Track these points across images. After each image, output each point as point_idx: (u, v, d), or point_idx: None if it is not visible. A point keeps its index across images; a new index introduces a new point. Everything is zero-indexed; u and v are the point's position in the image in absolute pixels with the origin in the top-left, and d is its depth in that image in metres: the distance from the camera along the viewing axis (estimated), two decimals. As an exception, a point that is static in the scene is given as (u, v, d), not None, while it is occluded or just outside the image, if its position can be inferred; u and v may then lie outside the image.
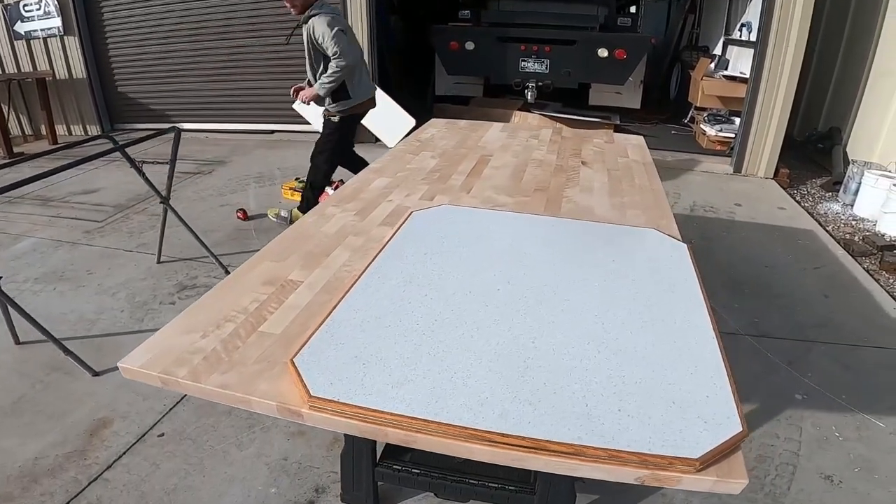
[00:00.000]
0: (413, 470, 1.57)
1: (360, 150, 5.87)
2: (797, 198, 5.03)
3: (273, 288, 1.30)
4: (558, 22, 6.10)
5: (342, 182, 4.41)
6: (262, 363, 1.03)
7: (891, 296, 3.36)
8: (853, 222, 4.61)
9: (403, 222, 1.57)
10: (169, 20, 6.28)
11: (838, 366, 2.62)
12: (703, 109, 6.25)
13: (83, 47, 6.32)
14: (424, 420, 0.86)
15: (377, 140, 6.10)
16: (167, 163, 3.21)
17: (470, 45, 6.07)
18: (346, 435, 1.54)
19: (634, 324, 1.13)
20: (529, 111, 6.52)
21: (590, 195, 1.90)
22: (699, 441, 0.86)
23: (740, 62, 6.24)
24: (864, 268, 3.71)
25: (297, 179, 4.65)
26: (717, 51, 6.82)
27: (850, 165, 5.08)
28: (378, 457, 1.59)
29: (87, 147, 3.06)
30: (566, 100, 6.82)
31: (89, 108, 6.58)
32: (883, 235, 4.31)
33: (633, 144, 2.59)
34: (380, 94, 5.83)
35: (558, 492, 1.38)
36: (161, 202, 3.23)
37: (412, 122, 5.86)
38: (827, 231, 4.33)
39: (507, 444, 0.84)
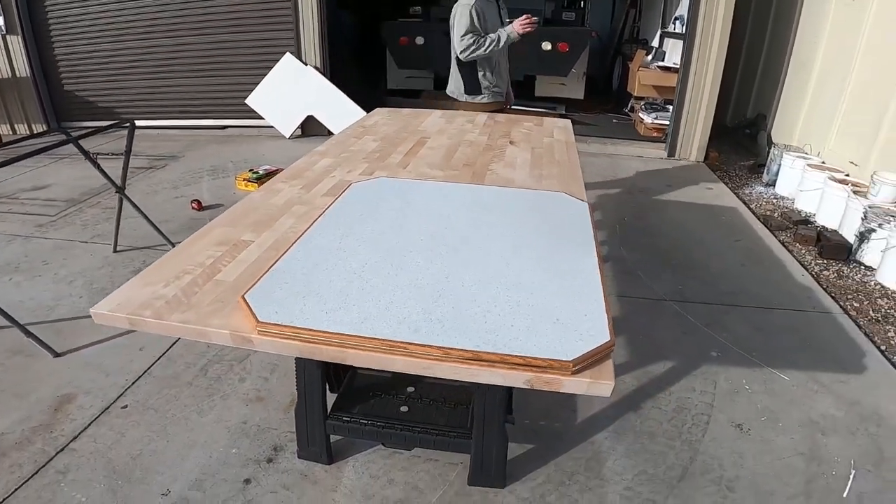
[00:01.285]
0: (361, 420, 1.75)
1: (313, 142, 6.04)
2: (725, 179, 5.41)
3: (226, 247, 1.47)
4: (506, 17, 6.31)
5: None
6: (217, 304, 1.21)
7: (801, 264, 3.72)
8: (774, 200, 5.00)
9: (343, 192, 1.76)
10: (115, 17, 6.26)
11: (750, 327, 2.91)
12: (641, 99, 6.60)
13: (27, 46, 6.24)
14: (354, 336, 1.05)
15: (330, 133, 6.23)
16: (121, 155, 3.31)
17: (420, 40, 6.27)
18: (297, 388, 1.72)
19: (533, 265, 1.35)
20: (478, 103, 6.75)
21: (512, 169, 2.13)
22: (574, 348, 1.08)
23: (675, 53, 6.61)
24: (780, 241, 4.07)
25: (250, 171, 4.76)
26: (655, 43, 7.19)
27: (772, 148, 5.49)
28: (329, 410, 1.77)
29: (37, 142, 3.12)
30: (513, 91, 7.06)
31: (34, 108, 6.49)
32: (799, 212, 4.71)
33: (560, 127, 2.84)
34: (332, 88, 5.98)
35: (491, 434, 1.59)
36: (117, 192, 3.32)
37: (363, 114, 6.01)
38: (750, 209, 4.69)
39: (420, 354, 1.04)
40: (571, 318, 1.15)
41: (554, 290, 1.26)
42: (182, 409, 2.22)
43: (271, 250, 1.45)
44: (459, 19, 3.38)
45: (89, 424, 2.15)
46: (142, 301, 1.22)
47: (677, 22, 6.48)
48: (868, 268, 3.75)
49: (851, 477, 1.97)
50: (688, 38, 5.26)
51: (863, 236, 3.83)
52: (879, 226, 3.72)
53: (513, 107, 6.58)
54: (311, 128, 6.24)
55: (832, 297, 3.28)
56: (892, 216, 3.76)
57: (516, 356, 1.03)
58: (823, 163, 4.94)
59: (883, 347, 2.83)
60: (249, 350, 2.54)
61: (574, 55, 6.22)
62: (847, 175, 4.62)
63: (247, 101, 6.20)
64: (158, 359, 2.49)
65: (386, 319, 1.11)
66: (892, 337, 2.96)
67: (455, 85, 3.79)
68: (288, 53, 5.97)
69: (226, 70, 6.31)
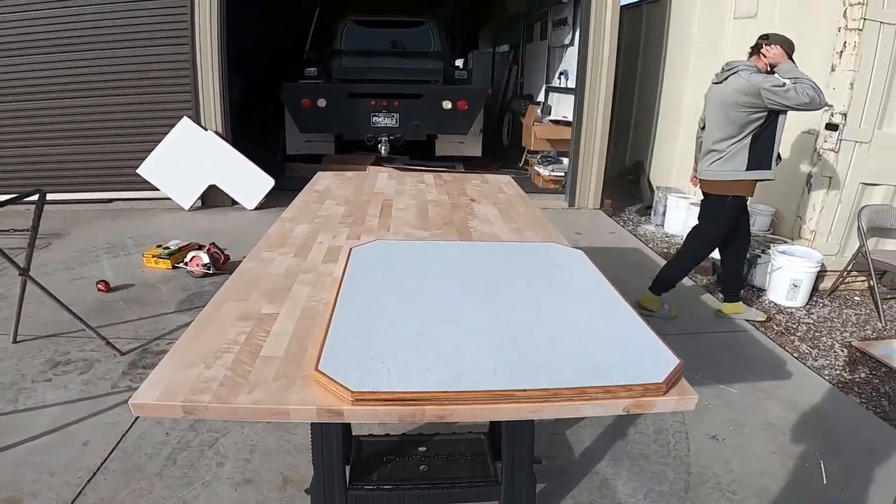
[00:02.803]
0: (385, 487, 1.70)
1: (216, 213, 5.78)
2: (621, 223, 5.94)
3: (251, 321, 1.39)
4: (405, 77, 6.56)
5: (213, 245, 4.33)
6: (282, 379, 1.15)
7: (708, 292, 4.15)
8: (666, 238, 5.56)
9: (348, 257, 1.74)
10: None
11: (689, 351, 3.19)
12: (535, 153, 7.10)
13: None
14: (458, 392, 1.06)
15: (234, 203, 6.02)
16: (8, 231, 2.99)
17: (322, 102, 6.30)
18: (314, 461, 1.63)
19: (570, 308, 1.44)
20: (381, 165, 6.88)
21: (490, 224, 2.22)
22: (657, 371, 1.16)
23: (561, 107, 7.22)
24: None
25: (158, 246, 4.45)
26: (541, 98, 7.81)
27: (656, 191, 6.13)
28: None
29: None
30: (413, 152, 7.29)
31: None
32: (690, 245, 5.27)
33: (505, 182, 3.00)
34: (236, 155, 5.81)
35: (521, 477, 1.61)
36: (20, 274, 2.97)
37: (271, 182, 5.90)
38: (650, 248, 5.17)
39: (527, 398, 1.07)
40: (636, 348, 1.25)
41: (603, 326, 1.35)
42: (162, 503, 2.00)
43: (305, 320, 1.40)
44: (763, 81, 2.99)
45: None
46: (191, 385, 1.12)
47: (562, 77, 7.10)
48: (759, 289, 4.27)
49: (822, 465, 2.23)
50: (578, 94, 5.81)
51: (749, 262, 4.36)
52: (762, 251, 4.28)
53: (417, 168, 6.82)
54: (212, 198, 5.97)
55: (743, 319, 3.69)
56: (770, 242, 4.34)
57: (618, 386, 1.10)
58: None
59: (795, 355, 3.23)
60: (216, 434, 2.36)
61: (472, 113, 6.58)
62: (724, 210, 5.26)
63: (138, 171, 5.81)
64: (112, 452, 2.24)
65: (479, 371, 1.12)
66: (798, 345, 3.38)
67: (728, 163, 3.20)
68: (185, 118, 5.73)
69: (113, 137, 5.85)
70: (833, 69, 3.97)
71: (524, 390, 1.08)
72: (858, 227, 4.12)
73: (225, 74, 5.60)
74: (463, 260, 1.75)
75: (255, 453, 2.25)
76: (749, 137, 3.13)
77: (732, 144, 3.17)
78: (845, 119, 3.94)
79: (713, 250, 3.66)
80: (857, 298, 4.18)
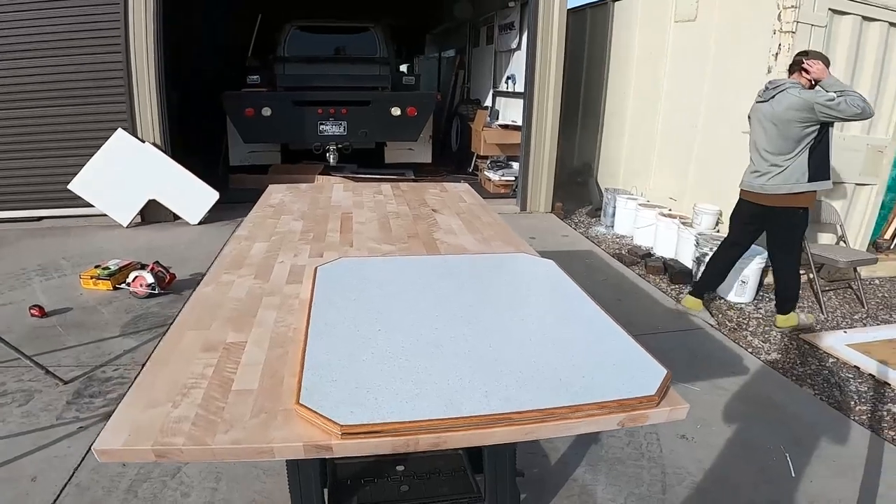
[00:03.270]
0: (367, 511, 1.63)
1: (157, 229, 5.51)
2: (573, 226, 6.03)
3: (217, 352, 1.30)
4: (352, 83, 6.45)
5: (157, 263, 4.12)
6: (261, 415, 1.07)
7: (662, 291, 4.25)
8: (617, 239, 5.68)
9: (314, 277, 1.67)
10: None
11: (649, 351, 3.25)
12: (485, 158, 7.12)
13: None
14: (451, 418, 1.01)
15: (177, 217, 5.76)
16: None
17: (266, 111, 6.12)
18: (291, 492, 1.55)
19: (550, 321, 1.42)
20: (331, 174, 6.75)
21: (455, 236, 2.19)
22: (647, 383, 1.15)
23: (509, 111, 7.27)
24: (637, 273, 4.62)
25: (97, 266, 4.19)
26: (488, 102, 7.84)
27: (605, 193, 6.26)
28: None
29: None
30: (362, 160, 7.18)
31: None
32: (639, 247, 5.40)
33: (464, 191, 2.98)
34: (177, 168, 5.56)
35: (505, 491, 1.58)
36: (-55, 306, 2.72)
37: (215, 195, 5.68)
38: (602, 249, 5.27)
39: (522, 420, 1.04)
40: (622, 360, 1.24)
41: (586, 338, 1.33)
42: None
43: (276, 348, 1.32)
44: (815, 96, 3.13)
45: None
46: (160, 426, 1.03)
47: (510, 81, 7.16)
48: (709, 286, 4.40)
49: (788, 458, 2.29)
50: (527, 99, 5.86)
51: (699, 260, 4.50)
52: (710, 249, 4.42)
53: (367, 176, 6.72)
54: (153, 213, 5.70)
55: (696, 317, 3.79)
56: (717, 240, 4.49)
57: (612, 401, 1.08)
58: (648, 201, 5.76)
59: (750, 350, 3.34)
60: (179, 462, 2.22)
61: (423, 119, 6.54)
62: (670, 210, 5.43)
63: (70, 187, 5.48)
64: (64, 487, 2.08)
65: (469, 395, 1.08)
66: (751, 340, 3.50)
67: (791, 176, 3.31)
68: (120, 129, 5.44)
69: (41, 150, 5.50)
70: (769, 70, 4.16)
71: (519, 412, 1.04)
72: (797, 223, 4.32)
73: (162, 83, 5.35)
74: (434, 275, 1.70)
75: (221, 481, 2.13)
76: (806, 151, 3.27)
77: (790, 159, 3.29)
78: (782, 120, 4.12)
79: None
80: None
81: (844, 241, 4.41)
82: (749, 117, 3.58)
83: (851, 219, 4.59)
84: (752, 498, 2.13)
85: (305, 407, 1.04)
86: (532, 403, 1.07)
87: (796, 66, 3.30)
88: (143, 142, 5.48)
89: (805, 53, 3.30)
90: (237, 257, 1.94)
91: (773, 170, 3.37)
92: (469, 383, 1.13)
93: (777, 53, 4.08)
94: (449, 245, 2.07)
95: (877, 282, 4.61)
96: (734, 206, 3.73)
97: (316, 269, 1.74)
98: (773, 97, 3.31)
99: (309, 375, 1.14)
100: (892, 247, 5.03)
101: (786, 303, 3.68)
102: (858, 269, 4.25)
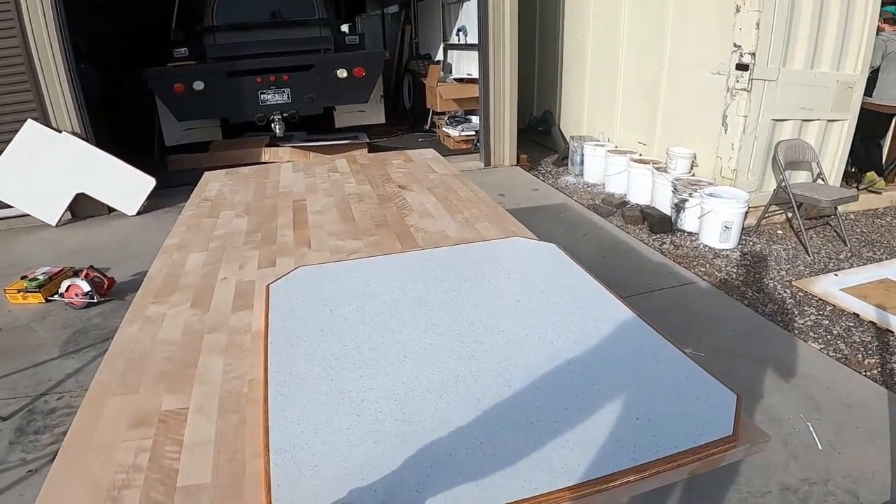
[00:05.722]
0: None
1: (91, 225, 4.98)
2: (541, 177, 5.73)
3: (151, 427, 0.97)
4: (292, 48, 5.93)
5: (91, 268, 3.67)
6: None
7: (644, 243, 4.03)
8: (588, 188, 5.42)
9: (267, 301, 1.32)
10: None
11: (645, 314, 3.03)
12: (441, 114, 6.72)
13: None
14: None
15: (111, 210, 5.22)
16: None
17: (199, 85, 5.54)
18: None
19: (575, 335, 1.12)
20: (278, 145, 6.26)
21: (433, 219, 1.86)
22: (719, 418, 0.90)
23: (462, 64, 6.84)
24: (616, 225, 4.38)
25: (23, 278, 3.70)
26: (440, 57, 7.38)
27: (571, 141, 5.96)
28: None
29: None
30: (311, 127, 6.70)
31: None
32: (613, 195, 5.15)
33: (431, 158, 2.63)
34: (101, 155, 5.00)
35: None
36: None
37: (152, 182, 5.15)
38: (575, 200, 5.01)
39: (574, 496, 0.76)
40: (681, 388, 0.97)
41: (628, 358, 1.05)
42: None
43: (229, 414, 0.99)
44: None
45: None
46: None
47: (460, 33, 6.70)
48: (690, 234, 4.21)
49: (812, 429, 2.11)
50: (482, 50, 5.45)
51: (678, 207, 4.29)
52: (690, 195, 4.20)
53: (318, 143, 6.25)
54: (84, 208, 5.13)
55: (684, 268, 3.58)
56: (696, 185, 4.27)
57: (684, 452, 0.83)
58: (616, 147, 5.49)
59: (745, 303, 3.16)
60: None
61: (371, 79, 6.07)
62: (640, 155, 5.18)
63: (-16, 189, 4.88)
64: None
65: (501, 470, 0.78)
66: (744, 291, 3.32)
67: None
68: (30, 120, 4.81)
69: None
70: (738, 10, 3.92)
71: (571, 487, 0.76)
72: (776, 161, 4.12)
73: (72, 65, 4.71)
74: (417, 279, 1.38)
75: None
76: None
77: None
78: (754, 59, 3.90)
79: None
80: (779, 233, 4.22)
81: (823, 179, 4.25)
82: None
83: (824, 156, 4.44)
84: (783, 479, 1.94)
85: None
86: (583, 472, 0.79)
87: None
88: (60, 131, 4.88)
89: None
90: (168, 278, 1.57)
91: None
92: (499, 449, 0.83)
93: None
94: (427, 233, 1.74)
95: (852, 216, 4.49)
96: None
97: (268, 287, 1.39)
98: None
99: (278, 462, 0.82)
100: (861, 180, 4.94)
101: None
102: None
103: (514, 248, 1.56)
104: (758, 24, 3.83)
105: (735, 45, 3.99)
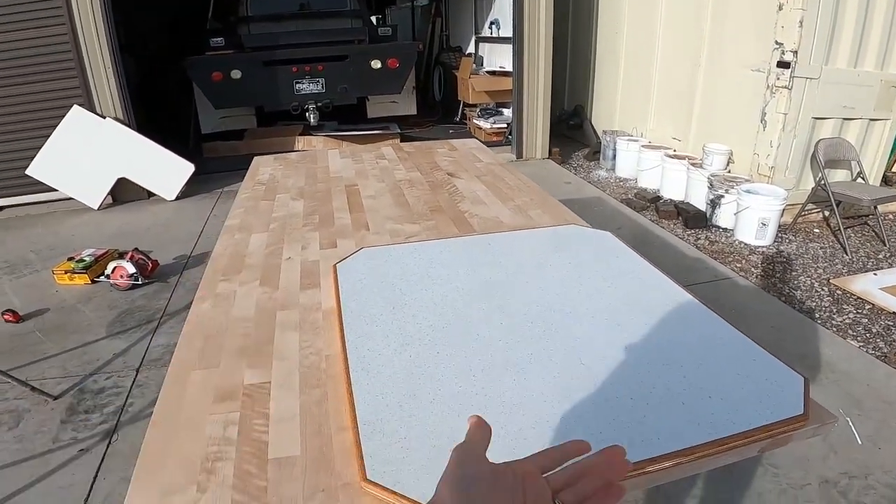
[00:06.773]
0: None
1: (132, 209, 5.11)
2: (573, 171, 5.73)
3: (236, 401, 1.02)
4: (326, 38, 6.00)
5: (136, 250, 3.78)
6: (318, 496, 0.81)
7: (678, 237, 4.02)
8: (621, 183, 5.41)
9: (336, 280, 1.37)
10: None
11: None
12: (473, 106, 6.74)
13: None
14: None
15: (151, 195, 5.36)
16: None
17: (236, 74, 5.64)
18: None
19: (644, 321, 1.15)
20: (311, 134, 6.34)
21: (485, 206, 1.90)
22: (789, 399, 0.92)
23: (494, 57, 6.85)
24: (650, 219, 4.38)
25: (70, 259, 3.83)
26: (471, 49, 7.39)
27: (603, 136, 5.94)
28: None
29: None
30: (343, 117, 6.78)
31: None
32: (646, 190, 5.14)
33: (475, 147, 2.67)
34: (144, 141, 5.12)
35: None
36: None
37: (191, 167, 5.27)
38: (608, 194, 5.00)
39: (655, 468, 0.80)
40: (749, 370, 1.00)
41: (691, 340, 1.08)
42: None
43: (310, 389, 1.04)
44: None
45: None
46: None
47: (493, 26, 6.71)
48: (725, 230, 4.19)
49: (851, 424, 2.11)
50: (516, 43, 5.46)
51: (714, 203, 4.27)
52: (726, 191, 4.18)
53: (351, 132, 6.31)
54: (125, 192, 5.28)
55: (720, 263, 3.58)
56: (732, 181, 4.25)
57: (758, 428, 0.87)
58: (650, 142, 5.47)
59: (783, 299, 3.15)
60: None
61: (405, 70, 6.12)
62: (675, 151, 5.15)
63: (28, 172, 5.03)
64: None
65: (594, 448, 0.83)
66: (782, 288, 3.31)
67: None
68: (76, 106, 4.95)
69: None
70: (780, 7, 3.88)
71: (652, 459, 0.80)
72: (816, 159, 4.08)
73: (117, 53, 4.84)
74: (481, 263, 1.42)
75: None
76: None
77: None
78: (796, 56, 3.86)
79: None
80: (816, 231, 4.18)
81: (863, 178, 4.20)
82: None
83: (865, 155, 4.38)
84: (823, 472, 1.95)
85: (377, 484, 0.78)
86: (658, 446, 0.83)
87: None
88: (104, 117, 5.01)
89: None
90: (233, 257, 1.63)
91: None
92: (582, 423, 0.87)
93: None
94: (482, 219, 1.78)
95: (891, 217, 4.42)
96: None
97: (335, 266, 1.44)
98: None
99: (367, 433, 0.87)
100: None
101: None
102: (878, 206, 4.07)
103: (571, 235, 1.59)
104: (801, 23, 3.79)
105: (777, 43, 3.95)
